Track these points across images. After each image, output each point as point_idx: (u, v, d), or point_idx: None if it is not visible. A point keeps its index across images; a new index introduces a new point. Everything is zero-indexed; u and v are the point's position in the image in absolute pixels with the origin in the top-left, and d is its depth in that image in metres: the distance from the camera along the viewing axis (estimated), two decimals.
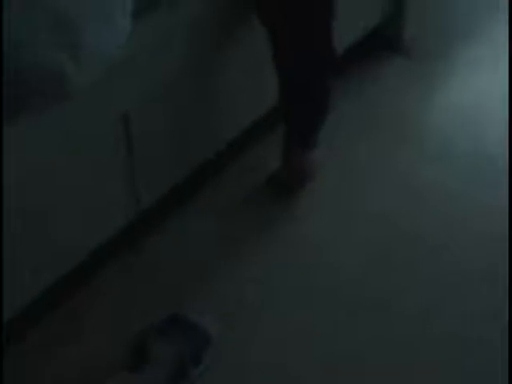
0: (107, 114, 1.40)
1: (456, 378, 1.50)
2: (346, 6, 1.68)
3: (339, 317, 1.61)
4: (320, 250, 1.75)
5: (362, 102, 2.16)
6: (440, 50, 2.42)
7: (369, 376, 1.50)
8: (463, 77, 2.32)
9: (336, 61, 1.67)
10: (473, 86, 2.27)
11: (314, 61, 1.60)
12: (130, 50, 1.32)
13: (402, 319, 1.61)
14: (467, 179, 1.95)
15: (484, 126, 2.12)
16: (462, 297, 1.65)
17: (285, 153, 1.80)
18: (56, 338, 1.54)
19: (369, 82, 2.23)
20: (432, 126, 2.15)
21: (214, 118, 1.72)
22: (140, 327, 1.48)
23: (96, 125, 1.38)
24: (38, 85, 1.20)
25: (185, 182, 1.74)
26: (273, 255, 1.74)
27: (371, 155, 2.00)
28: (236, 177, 1.91)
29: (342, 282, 1.69)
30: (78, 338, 1.54)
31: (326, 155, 1.86)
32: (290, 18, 1.52)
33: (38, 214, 1.35)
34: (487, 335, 1.57)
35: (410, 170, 1.97)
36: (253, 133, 1.91)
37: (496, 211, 1.83)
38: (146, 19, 1.36)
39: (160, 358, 1.40)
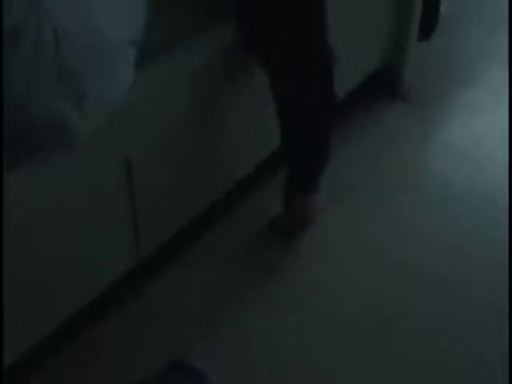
0: (109, 160, 1.41)
1: None
2: (346, 51, 1.70)
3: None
4: (324, 294, 1.76)
5: (362, 146, 2.18)
6: (439, 93, 2.45)
7: None
8: (463, 120, 2.35)
9: (337, 106, 1.69)
10: (472, 128, 2.30)
11: (314, 106, 1.61)
12: (133, 97, 1.34)
13: (403, 341, 1.65)
14: (468, 219, 1.97)
15: (484, 167, 2.14)
16: (463, 323, 1.69)
17: (286, 198, 1.82)
18: None
19: (369, 127, 2.25)
20: (433, 168, 2.17)
21: (215, 165, 1.74)
22: (143, 374, 1.47)
23: (98, 171, 1.39)
24: (41, 134, 1.21)
25: (186, 227, 1.75)
26: (276, 300, 1.74)
27: (372, 198, 2.01)
28: (238, 222, 1.92)
29: (345, 317, 1.71)
30: None
31: (326, 199, 1.87)
32: (289, 63, 1.53)
33: (38, 260, 1.35)
34: (488, 356, 1.61)
35: (411, 212, 1.98)
36: (255, 178, 1.92)
37: (496, 247, 1.86)
38: (148, 69, 1.38)
39: None
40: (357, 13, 1.94)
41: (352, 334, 1.68)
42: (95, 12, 1.22)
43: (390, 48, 2.27)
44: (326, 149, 1.71)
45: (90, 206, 1.42)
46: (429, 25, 2.42)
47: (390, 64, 2.31)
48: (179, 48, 1.45)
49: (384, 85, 2.37)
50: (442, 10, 2.53)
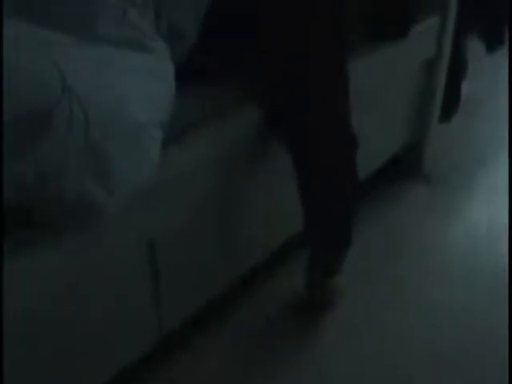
0: (133, 240, 1.42)
1: None
2: (368, 136, 1.72)
3: None
4: (345, 370, 1.74)
5: (383, 229, 2.18)
6: (461, 175, 2.48)
7: None
8: (481, 203, 2.35)
9: (359, 189, 1.70)
10: (492, 211, 2.30)
11: (338, 190, 1.63)
12: (158, 177, 1.35)
13: None
14: (487, 298, 1.95)
15: (504, 250, 2.13)
16: None
17: (308, 279, 1.81)
18: None
19: (390, 209, 2.27)
20: (455, 252, 2.15)
21: (238, 244, 1.74)
22: None
23: (121, 249, 1.40)
24: (68, 211, 1.23)
25: (209, 306, 1.75)
26: (301, 377, 1.71)
27: (392, 281, 2.01)
28: (262, 300, 1.91)
29: None
30: None
31: (347, 282, 1.87)
32: (313, 148, 1.56)
33: (59, 338, 1.36)
34: None
35: (431, 293, 1.96)
36: (278, 258, 1.93)
37: None
38: (173, 150, 1.40)
39: None
40: (380, 97, 1.98)
41: None
42: (125, 95, 1.25)
43: (412, 130, 2.30)
44: (349, 233, 1.71)
45: (113, 284, 1.43)
46: (450, 107, 2.46)
47: (411, 145, 2.34)
48: (205, 130, 1.48)
49: (406, 165, 2.39)
50: (464, 90, 2.57)
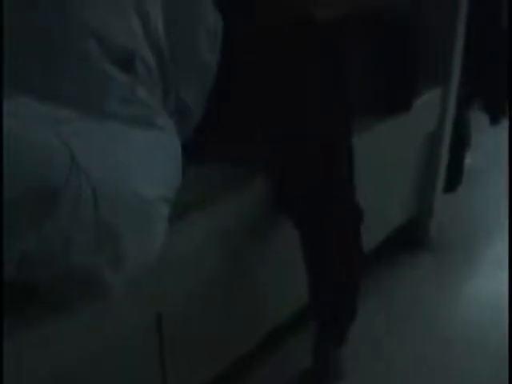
0: (141, 314, 1.43)
1: None
2: (374, 208, 1.74)
3: None
4: None
5: (388, 297, 2.18)
6: (466, 245, 2.49)
7: None
8: (489, 272, 2.35)
9: (364, 261, 1.71)
10: (498, 282, 2.30)
11: (343, 262, 1.64)
12: (165, 253, 1.35)
13: None
14: (490, 366, 1.95)
15: (503, 318, 2.12)
16: None
17: (315, 350, 1.81)
18: None
19: (395, 279, 2.27)
20: (460, 321, 2.14)
21: (245, 318, 1.75)
22: None
23: (129, 323, 1.40)
24: (76, 288, 1.24)
25: (216, 378, 1.74)
26: None
27: (397, 350, 1.99)
28: (269, 371, 1.90)
29: None
30: None
31: (354, 352, 1.86)
32: (319, 223, 1.58)
33: None
34: None
35: (435, 361, 1.96)
36: (285, 329, 1.92)
37: None
38: (180, 226, 1.42)
39: None
40: (384, 169, 2.00)
41: None
42: (132, 171, 1.27)
43: (416, 201, 2.32)
44: (354, 305, 1.71)
45: (120, 356, 1.43)
46: (454, 177, 2.49)
47: (416, 216, 2.35)
48: (211, 205, 1.50)
49: (411, 235, 2.40)
50: (468, 160, 2.60)
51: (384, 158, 1.97)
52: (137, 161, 1.30)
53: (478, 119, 2.87)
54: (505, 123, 2.96)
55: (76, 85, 1.37)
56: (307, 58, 1.63)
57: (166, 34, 1.49)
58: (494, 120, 2.89)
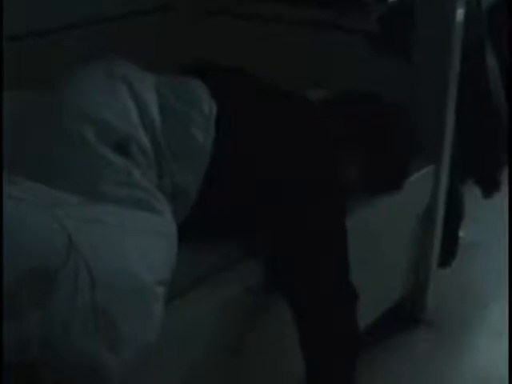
0: None
1: None
2: (368, 287, 1.74)
3: None
4: None
5: (384, 376, 2.16)
6: (463, 319, 2.48)
7: None
8: (488, 346, 2.34)
9: (360, 341, 1.70)
10: (497, 354, 2.28)
11: (338, 344, 1.62)
12: (162, 333, 1.35)
13: None
14: None
15: None
16: None
17: None
18: None
19: (391, 356, 2.24)
20: None
21: None
22: None
23: None
24: (75, 374, 1.24)
25: None
26: None
27: None
28: None
29: None
30: None
31: None
32: (313, 303, 1.58)
33: None
34: None
35: None
36: None
37: None
38: (176, 306, 1.42)
39: None
40: (377, 248, 2.02)
41: None
42: (129, 254, 1.29)
43: (411, 277, 2.33)
44: (351, 380, 1.70)
45: None
46: (449, 252, 2.50)
47: (412, 291, 2.36)
48: (205, 286, 1.51)
49: (407, 311, 2.40)
50: (461, 234, 2.62)
51: (377, 236, 1.99)
52: (133, 244, 1.31)
53: (472, 192, 2.90)
54: (498, 196, 2.99)
55: (73, 169, 1.40)
56: (302, 139, 1.66)
57: (160, 118, 1.53)
58: (487, 194, 2.93)
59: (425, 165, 2.16)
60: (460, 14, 2.11)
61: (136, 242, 1.32)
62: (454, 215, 2.50)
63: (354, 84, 2.07)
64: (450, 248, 2.50)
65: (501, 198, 3.05)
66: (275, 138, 1.62)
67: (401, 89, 2.10)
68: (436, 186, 2.24)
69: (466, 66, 2.39)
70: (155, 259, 1.33)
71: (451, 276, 2.60)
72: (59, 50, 2.18)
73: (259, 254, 1.61)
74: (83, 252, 1.22)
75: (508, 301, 2.22)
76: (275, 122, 1.65)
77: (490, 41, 2.82)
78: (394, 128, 1.96)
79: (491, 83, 2.78)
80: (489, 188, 2.91)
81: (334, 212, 1.64)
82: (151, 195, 1.43)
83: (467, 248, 2.77)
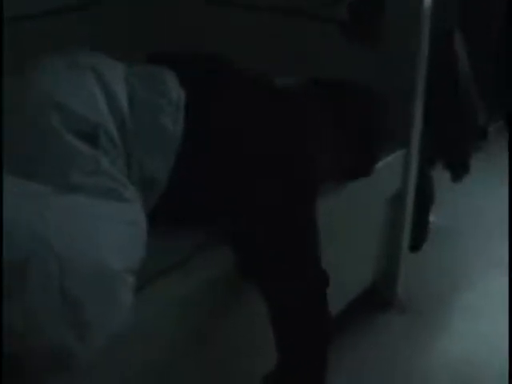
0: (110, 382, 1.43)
1: None
2: (339, 271, 1.75)
3: None
4: None
5: (358, 359, 2.18)
6: (435, 302, 2.50)
7: None
8: (458, 330, 2.37)
9: (332, 325, 1.72)
10: (470, 336, 2.33)
11: (310, 329, 1.63)
12: (131, 321, 1.35)
13: None
14: None
15: (484, 373, 2.15)
16: None
17: None
18: None
19: (364, 340, 2.27)
20: (428, 379, 2.15)
21: (216, 381, 1.74)
22: None
23: None
24: (43, 360, 1.24)
25: None
26: None
27: None
28: None
29: None
30: None
31: None
32: (284, 289, 1.58)
33: None
34: None
35: None
36: None
37: None
38: (145, 294, 1.42)
39: None
40: (348, 232, 2.04)
41: None
42: (99, 243, 1.30)
43: (383, 261, 2.35)
44: (323, 371, 1.68)
45: None
46: (419, 236, 2.53)
47: (384, 275, 2.38)
48: (175, 274, 1.51)
49: (379, 296, 2.42)
50: (432, 218, 2.64)
51: (348, 221, 2.00)
52: (103, 233, 1.32)
53: (442, 177, 2.93)
54: (467, 179, 3.03)
55: (41, 158, 1.40)
56: (271, 125, 1.67)
57: (129, 107, 1.53)
58: (456, 177, 2.96)
59: (394, 150, 2.18)
60: (428, 1, 2.12)
61: (105, 231, 1.32)
62: (425, 199, 2.53)
63: (324, 71, 2.07)
64: (420, 232, 2.53)
65: (471, 181, 3.09)
66: (245, 126, 1.62)
67: (370, 75, 2.11)
68: (406, 171, 2.26)
69: (436, 52, 2.41)
70: (124, 248, 1.34)
71: (423, 260, 2.63)
72: (25, 37, 2.17)
73: (228, 241, 1.61)
74: (53, 242, 1.22)
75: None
76: (245, 110, 1.66)
77: (458, 27, 2.85)
78: (364, 114, 1.97)
79: (460, 69, 2.81)
80: (458, 172, 2.94)
81: (304, 198, 1.64)
82: (120, 184, 1.43)
83: (438, 232, 2.81)
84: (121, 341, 1.35)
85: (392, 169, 2.20)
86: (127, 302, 1.33)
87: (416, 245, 2.51)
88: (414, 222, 2.43)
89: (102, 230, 1.32)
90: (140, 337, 1.43)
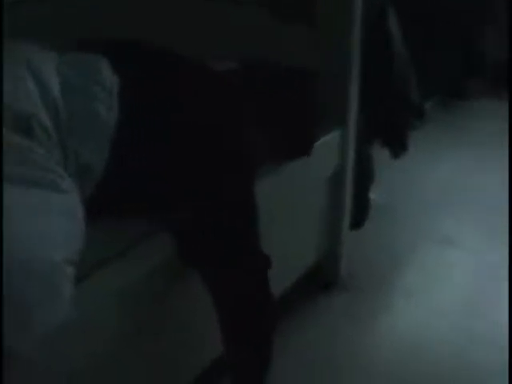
0: (53, 374, 1.40)
1: None
2: (281, 253, 1.76)
3: None
4: None
5: (305, 341, 2.19)
6: (378, 280, 2.54)
7: None
8: (400, 307, 2.40)
9: (276, 307, 1.72)
10: (411, 315, 2.36)
11: (254, 312, 1.64)
12: (72, 313, 1.33)
13: None
14: None
15: (425, 354, 2.17)
16: None
17: None
18: None
19: (310, 320, 2.28)
20: (375, 356, 2.17)
21: (159, 372, 1.72)
22: None
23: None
24: None
25: None
26: None
27: None
28: None
29: None
30: None
31: None
32: (224, 272, 1.59)
33: None
34: None
35: None
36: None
37: None
38: (84, 285, 1.40)
39: None
40: (289, 213, 2.05)
41: None
42: (38, 235, 1.28)
43: (324, 240, 2.36)
44: (269, 354, 1.70)
45: None
46: (360, 214, 2.55)
47: (326, 255, 2.40)
48: (115, 263, 1.49)
49: (322, 275, 2.44)
50: (372, 196, 2.67)
51: (288, 202, 2.01)
52: (40, 224, 1.29)
53: (381, 155, 2.96)
54: (407, 157, 3.06)
55: None
56: (208, 109, 1.66)
57: (62, 96, 1.51)
58: (395, 154, 2.99)
59: (331, 129, 2.19)
60: None
61: (42, 223, 1.30)
62: (364, 177, 2.55)
63: (258, 54, 2.07)
64: (361, 210, 2.55)
65: (409, 158, 3.13)
66: (179, 110, 1.61)
67: (305, 55, 2.11)
68: (343, 150, 2.27)
69: (369, 31, 2.43)
70: (62, 239, 1.32)
71: (364, 238, 2.66)
72: None
73: (168, 229, 1.60)
74: None
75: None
76: (179, 94, 1.65)
77: (392, 7, 2.87)
78: (300, 95, 1.97)
79: (394, 48, 2.84)
80: (397, 149, 2.97)
81: (242, 181, 1.64)
82: (56, 174, 1.40)
83: (378, 209, 2.84)
84: (62, 333, 1.33)
85: (330, 148, 2.21)
86: (67, 293, 1.31)
87: (357, 223, 2.53)
88: (355, 200, 2.45)
89: (39, 222, 1.29)
90: (81, 329, 1.41)
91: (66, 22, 2.36)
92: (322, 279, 2.44)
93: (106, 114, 1.53)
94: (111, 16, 2.37)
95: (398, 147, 2.95)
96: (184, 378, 1.81)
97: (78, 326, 1.39)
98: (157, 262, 1.59)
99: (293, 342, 2.15)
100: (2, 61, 1.23)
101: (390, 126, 2.93)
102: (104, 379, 1.54)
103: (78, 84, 1.55)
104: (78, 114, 1.52)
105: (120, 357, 1.57)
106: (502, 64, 4.98)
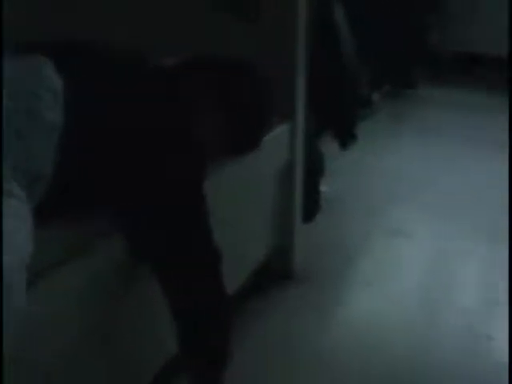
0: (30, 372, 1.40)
1: None
2: (233, 248, 1.76)
3: None
4: None
5: (261, 334, 2.19)
6: (331, 272, 2.55)
7: None
8: (354, 299, 2.42)
9: (230, 302, 1.71)
10: (366, 304, 2.38)
11: (205, 305, 1.63)
12: (28, 317, 1.33)
13: None
14: None
15: (381, 341, 2.19)
16: None
17: None
18: None
19: (266, 314, 2.28)
20: (329, 348, 2.17)
21: (119, 370, 1.71)
22: None
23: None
24: None
25: None
26: None
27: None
28: None
29: None
30: None
31: None
32: (176, 268, 1.57)
33: None
34: None
35: None
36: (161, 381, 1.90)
37: None
38: (36, 290, 1.38)
39: None
40: (239, 208, 2.04)
41: None
42: None
43: (277, 234, 2.37)
44: (226, 347, 1.70)
45: None
46: (312, 206, 2.56)
47: (280, 249, 2.40)
48: (65, 267, 1.47)
49: (276, 269, 2.44)
50: (323, 188, 2.69)
51: (238, 197, 2.01)
52: None
53: (331, 146, 2.99)
54: (357, 148, 3.10)
55: None
56: (155, 104, 1.65)
57: (8, 100, 1.48)
58: (343, 145, 3.02)
59: (280, 123, 2.19)
60: None
61: None
62: (314, 170, 2.56)
63: (206, 48, 2.05)
64: (312, 203, 2.57)
65: (358, 149, 3.17)
66: (124, 107, 1.59)
67: (250, 48, 2.11)
68: (293, 143, 2.28)
69: (316, 26, 2.44)
70: (14, 243, 1.30)
71: (317, 231, 2.67)
72: None
73: (119, 229, 1.58)
74: None
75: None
76: (124, 91, 1.63)
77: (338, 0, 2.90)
78: (248, 89, 1.96)
79: (342, 40, 2.86)
80: (346, 140, 3.00)
81: (192, 177, 1.63)
82: (6, 180, 1.38)
83: (330, 201, 2.86)
84: (19, 340, 1.31)
85: (279, 142, 2.21)
86: (21, 298, 1.29)
87: (309, 216, 2.54)
88: (306, 193, 2.46)
89: None
90: (38, 333, 1.40)
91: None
92: (275, 273, 2.44)
93: (52, 116, 1.51)
94: (57, 15, 2.35)
95: (347, 138, 2.98)
96: (143, 377, 1.80)
97: (32, 332, 1.37)
98: (109, 263, 1.57)
99: (249, 336, 2.15)
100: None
101: (339, 117, 2.95)
102: (65, 379, 1.53)
103: (22, 87, 1.52)
104: (24, 118, 1.49)
105: (82, 360, 1.56)
106: (446, 52, 5.07)
